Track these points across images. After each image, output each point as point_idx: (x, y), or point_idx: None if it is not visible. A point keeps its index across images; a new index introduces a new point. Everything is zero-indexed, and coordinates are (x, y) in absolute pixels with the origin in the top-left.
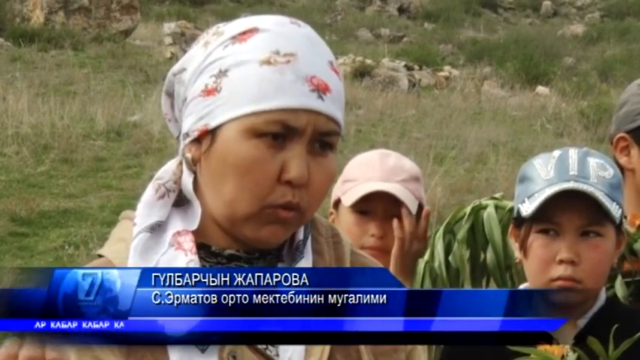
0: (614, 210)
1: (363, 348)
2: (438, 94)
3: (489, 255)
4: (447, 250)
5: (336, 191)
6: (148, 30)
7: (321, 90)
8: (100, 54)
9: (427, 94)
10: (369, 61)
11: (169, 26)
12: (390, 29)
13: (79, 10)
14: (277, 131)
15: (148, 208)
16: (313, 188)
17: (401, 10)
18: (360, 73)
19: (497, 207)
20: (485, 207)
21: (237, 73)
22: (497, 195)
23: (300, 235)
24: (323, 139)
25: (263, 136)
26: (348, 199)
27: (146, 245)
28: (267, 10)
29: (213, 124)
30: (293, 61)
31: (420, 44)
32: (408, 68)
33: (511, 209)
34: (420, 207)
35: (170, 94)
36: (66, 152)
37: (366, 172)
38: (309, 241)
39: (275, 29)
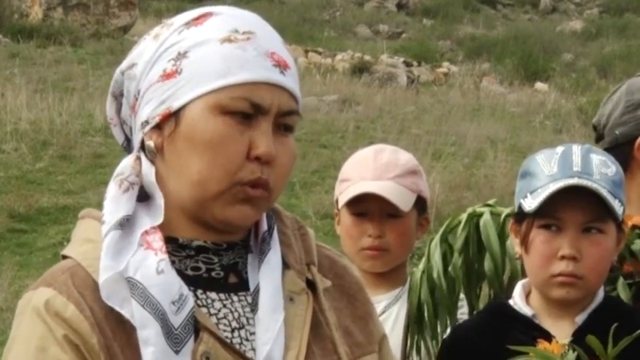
0: (617, 207)
1: (338, 339)
2: (436, 91)
3: (487, 262)
4: (444, 259)
5: (336, 191)
6: (146, 26)
7: (281, 65)
8: (99, 50)
9: (426, 90)
10: (367, 58)
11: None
12: (388, 25)
13: (77, 6)
14: (244, 109)
15: (114, 204)
16: (279, 167)
17: (399, 6)
18: (359, 70)
19: (492, 214)
20: (480, 214)
21: (198, 53)
22: (490, 202)
23: (265, 226)
24: (285, 121)
25: (230, 114)
26: (342, 200)
27: (117, 246)
28: (266, 6)
29: (176, 105)
30: (253, 38)
31: (419, 40)
32: (407, 64)
33: (507, 216)
34: (420, 198)
35: (117, 96)
36: (64, 148)
37: (359, 171)
38: (275, 233)
39: (228, 12)
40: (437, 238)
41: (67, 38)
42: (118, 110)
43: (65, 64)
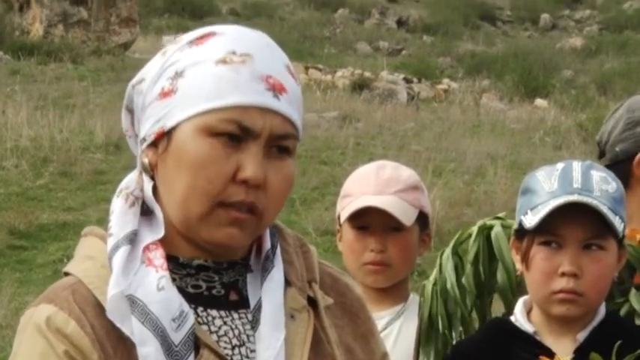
0: (617, 223)
1: (339, 357)
2: (436, 107)
3: (500, 274)
4: (455, 271)
5: (337, 207)
6: (147, 43)
7: (276, 90)
8: (100, 67)
9: (426, 106)
10: (367, 74)
11: (168, 39)
12: (388, 42)
13: (78, 24)
14: (232, 131)
15: (121, 218)
16: (271, 192)
17: (400, 23)
18: (359, 86)
19: (503, 226)
20: (490, 227)
21: (192, 73)
22: (501, 214)
23: (268, 244)
24: (280, 143)
25: (219, 136)
26: (344, 215)
27: (125, 264)
28: (266, 23)
29: (169, 124)
30: (249, 61)
31: (419, 57)
32: (407, 81)
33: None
34: (422, 214)
35: (130, 110)
36: (65, 165)
37: (361, 186)
38: (278, 251)
39: (232, 33)
40: (448, 250)
41: (67, 55)
42: (133, 122)
43: (66, 81)
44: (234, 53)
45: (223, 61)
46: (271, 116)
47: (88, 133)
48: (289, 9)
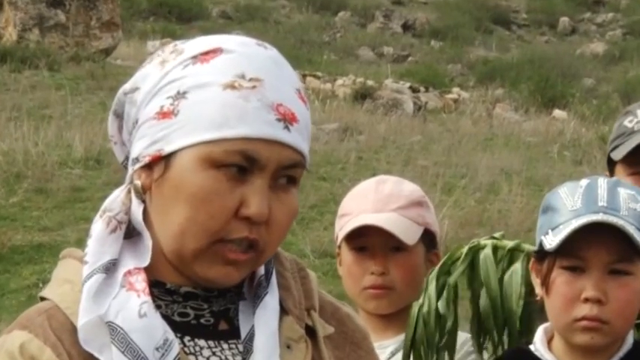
0: None
1: None
2: (445, 119)
3: (482, 299)
4: (441, 292)
5: (336, 228)
6: (130, 48)
7: (287, 119)
8: (78, 75)
9: (434, 118)
10: (370, 83)
11: (153, 44)
12: (393, 48)
13: (55, 28)
14: (238, 163)
15: (99, 245)
16: (274, 226)
17: (405, 27)
18: (361, 96)
19: (496, 247)
20: (483, 247)
21: (197, 96)
22: (496, 234)
23: (262, 271)
24: (287, 174)
25: (222, 168)
26: (341, 236)
27: (99, 288)
28: (260, 26)
29: (167, 149)
30: (259, 87)
31: (427, 64)
32: (414, 90)
33: (510, 250)
34: (428, 232)
35: (119, 115)
36: (40, 182)
37: (359, 203)
38: (274, 277)
39: (240, 50)
40: (436, 269)
41: (43, 62)
42: (120, 128)
43: (41, 90)
44: (243, 77)
45: (231, 86)
46: (279, 148)
47: (65, 146)
48: (285, 12)
